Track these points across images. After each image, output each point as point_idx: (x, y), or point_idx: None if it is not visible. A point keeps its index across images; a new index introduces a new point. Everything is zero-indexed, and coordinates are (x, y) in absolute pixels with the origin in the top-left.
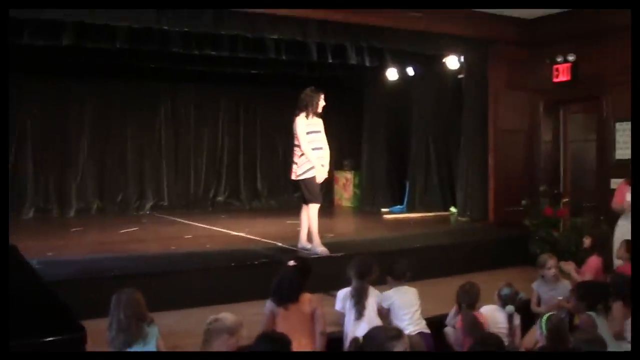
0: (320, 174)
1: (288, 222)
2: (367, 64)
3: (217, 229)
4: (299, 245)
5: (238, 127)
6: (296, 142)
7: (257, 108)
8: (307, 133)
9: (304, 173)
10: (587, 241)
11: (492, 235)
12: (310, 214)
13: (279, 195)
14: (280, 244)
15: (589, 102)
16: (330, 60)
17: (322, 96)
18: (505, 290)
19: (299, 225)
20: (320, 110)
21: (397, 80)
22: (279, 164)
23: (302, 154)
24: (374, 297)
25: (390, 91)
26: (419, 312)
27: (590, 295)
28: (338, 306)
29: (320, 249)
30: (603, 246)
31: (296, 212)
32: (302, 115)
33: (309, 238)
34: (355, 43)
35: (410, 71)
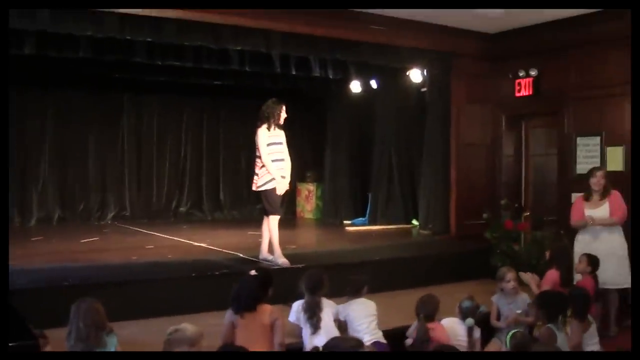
0: (281, 185)
1: (250, 233)
2: (331, 76)
3: (179, 239)
4: (261, 257)
5: (201, 138)
6: (257, 154)
7: (220, 119)
8: (268, 144)
9: (264, 184)
10: (547, 254)
11: (454, 249)
12: (271, 225)
13: (242, 207)
14: (241, 255)
15: (551, 117)
16: (294, 72)
17: (284, 108)
18: (466, 303)
19: (260, 236)
20: (281, 121)
21: (361, 92)
22: (242, 175)
23: (263, 166)
24: (329, 308)
25: (354, 103)
26: (375, 322)
27: (550, 305)
28: (292, 317)
29: (281, 260)
30: (561, 260)
31: (258, 223)
32: (264, 126)
33: (270, 249)
34: (318, 55)
35: (373, 84)
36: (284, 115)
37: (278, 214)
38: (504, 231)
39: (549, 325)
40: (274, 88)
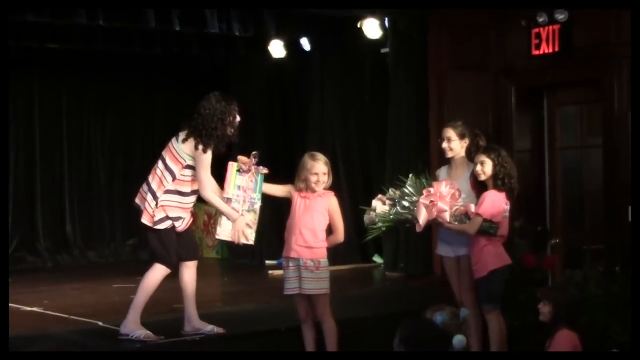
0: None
1: (116, 286)
2: (237, 32)
3: None
4: (187, 328)
5: (33, 134)
6: (164, 167)
7: (62, 100)
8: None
9: (165, 221)
10: (544, 309)
11: (441, 302)
12: (151, 276)
13: (102, 244)
14: (101, 324)
15: (590, 88)
16: (178, 28)
17: (237, 110)
18: (439, 317)
19: (133, 292)
20: (235, 133)
21: (285, 57)
22: (101, 191)
23: (171, 192)
24: None
25: (274, 75)
26: None
27: None
28: None
29: (140, 333)
30: (574, 313)
31: (129, 268)
32: (209, 150)
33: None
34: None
35: (305, 43)
36: (237, 121)
37: (169, 267)
38: (520, 271)
39: None
40: (145, 54)
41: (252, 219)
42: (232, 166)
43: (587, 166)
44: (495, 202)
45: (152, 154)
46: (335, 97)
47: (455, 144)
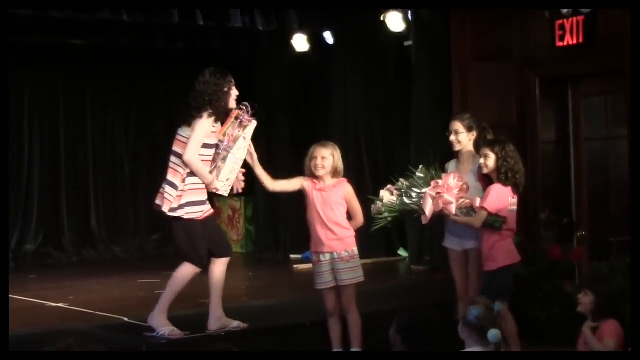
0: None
1: (141, 281)
2: (261, 27)
3: (21, 297)
4: (214, 327)
5: (57, 128)
6: (178, 155)
7: (86, 96)
8: (203, 146)
9: (183, 208)
10: (585, 299)
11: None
12: (178, 275)
13: (126, 239)
14: (127, 319)
15: (615, 78)
16: (201, 23)
17: (233, 83)
18: (475, 312)
19: (158, 287)
20: (231, 105)
21: (308, 51)
22: (126, 186)
23: (189, 175)
24: None
25: (297, 68)
26: None
27: None
28: None
29: (167, 330)
30: (614, 304)
31: (153, 264)
32: (206, 115)
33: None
34: None
35: (328, 37)
36: (234, 94)
37: (198, 265)
38: (546, 263)
39: None
40: (169, 49)
41: (225, 170)
42: (232, 114)
43: (613, 157)
44: (501, 196)
45: None
46: (358, 90)
47: (463, 137)
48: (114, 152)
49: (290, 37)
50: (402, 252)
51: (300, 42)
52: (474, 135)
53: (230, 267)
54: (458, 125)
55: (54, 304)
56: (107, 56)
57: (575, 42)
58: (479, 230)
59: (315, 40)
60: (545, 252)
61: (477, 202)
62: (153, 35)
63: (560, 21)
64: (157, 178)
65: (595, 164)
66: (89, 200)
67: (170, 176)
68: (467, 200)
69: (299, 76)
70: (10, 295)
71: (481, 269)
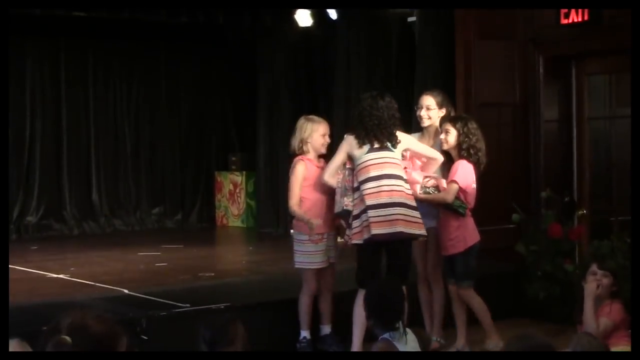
0: None
1: (141, 254)
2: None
3: (23, 268)
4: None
5: (58, 98)
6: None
7: (88, 69)
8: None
9: (360, 232)
10: (605, 281)
11: None
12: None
13: (128, 212)
14: (126, 291)
15: (619, 57)
16: None
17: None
18: None
19: (159, 260)
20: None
21: (311, 26)
22: (127, 160)
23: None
24: None
25: (300, 45)
26: None
27: None
28: None
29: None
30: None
31: (154, 237)
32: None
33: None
34: None
35: (331, 12)
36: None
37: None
38: (547, 241)
39: None
40: (172, 23)
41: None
42: None
43: (616, 136)
44: (467, 172)
45: (178, 123)
46: (361, 66)
47: (433, 113)
48: (115, 126)
49: (293, 11)
50: None
51: (303, 17)
52: (443, 112)
53: (230, 242)
54: (430, 101)
55: (55, 275)
56: (110, 29)
57: (580, 19)
58: (439, 211)
59: (319, 15)
60: (546, 230)
61: (444, 183)
62: (156, 9)
63: None
64: (158, 152)
65: (598, 143)
66: (91, 173)
67: (345, 198)
68: (432, 180)
69: (301, 51)
70: (11, 266)
71: (439, 251)
